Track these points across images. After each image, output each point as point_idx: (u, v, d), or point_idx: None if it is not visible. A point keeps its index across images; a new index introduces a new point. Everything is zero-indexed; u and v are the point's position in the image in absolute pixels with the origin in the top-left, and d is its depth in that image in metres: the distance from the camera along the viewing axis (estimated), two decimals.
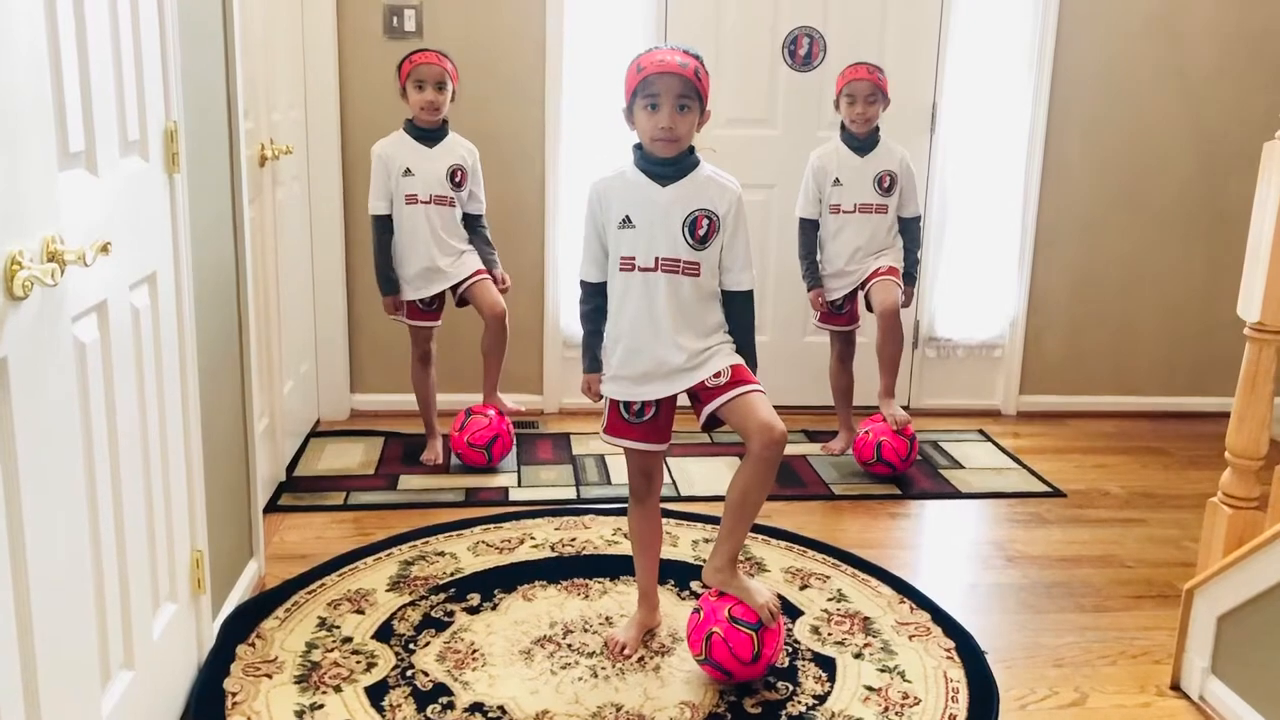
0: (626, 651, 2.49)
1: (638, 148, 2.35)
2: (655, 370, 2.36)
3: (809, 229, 3.74)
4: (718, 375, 2.34)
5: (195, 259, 2.26)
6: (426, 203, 3.47)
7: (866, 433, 3.66)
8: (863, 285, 3.70)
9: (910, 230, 3.71)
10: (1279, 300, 2.22)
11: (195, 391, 2.26)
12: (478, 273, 3.56)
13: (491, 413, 3.62)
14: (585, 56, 4.06)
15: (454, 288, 3.56)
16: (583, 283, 2.47)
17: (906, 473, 3.69)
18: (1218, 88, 4.27)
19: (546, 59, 4.00)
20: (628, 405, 2.42)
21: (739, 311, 2.42)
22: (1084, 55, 4.21)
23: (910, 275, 3.71)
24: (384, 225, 3.49)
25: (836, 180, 3.65)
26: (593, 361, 2.50)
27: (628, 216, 2.32)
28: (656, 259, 2.31)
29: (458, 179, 3.50)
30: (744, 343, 2.43)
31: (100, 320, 1.79)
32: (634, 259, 2.33)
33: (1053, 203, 4.32)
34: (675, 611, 2.70)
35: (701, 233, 2.31)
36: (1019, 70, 4.24)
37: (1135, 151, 4.32)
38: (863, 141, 3.62)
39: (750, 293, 2.42)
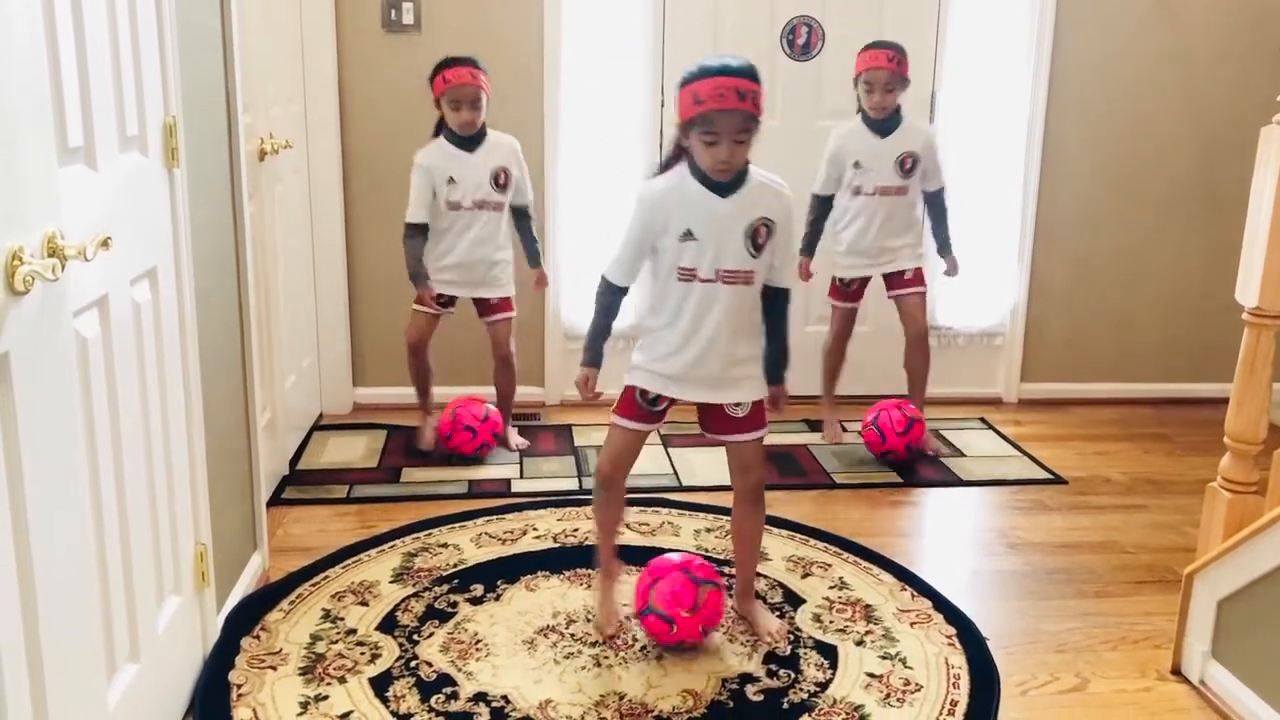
0: (610, 629, 2.54)
1: (689, 157, 2.32)
2: (695, 374, 2.40)
3: (819, 204, 3.74)
4: (738, 406, 2.44)
5: (195, 253, 2.27)
6: (470, 208, 3.48)
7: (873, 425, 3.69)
8: (888, 285, 3.72)
9: (936, 203, 3.70)
10: (1277, 285, 2.22)
11: (197, 385, 2.27)
12: (503, 305, 3.59)
13: (489, 409, 3.63)
14: (584, 50, 4.06)
15: (477, 300, 3.60)
16: (606, 281, 2.46)
17: (908, 460, 3.70)
18: (1217, 74, 4.27)
19: (545, 52, 4.00)
20: (644, 393, 2.45)
21: (781, 307, 2.48)
22: (1083, 43, 4.20)
23: (947, 244, 3.72)
24: (419, 231, 3.50)
25: (857, 163, 3.63)
26: (595, 356, 2.50)
27: (690, 230, 2.32)
28: (718, 271, 2.32)
29: (502, 181, 3.50)
30: (783, 340, 2.50)
31: (101, 315, 1.80)
32: (695, 270, 2.33)
33: (1052, 191, 4.32)
34: None
35: (761, 241, 2.33)
36: (1018, 58, 4.23)
37: (1135, 139, 4.31)
38: (883, 123, 3.59)
39: (789, 291, 2.48)
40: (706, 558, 2.91)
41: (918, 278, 3.70)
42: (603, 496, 2.58)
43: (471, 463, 3.62)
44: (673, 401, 2.46)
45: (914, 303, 3.71)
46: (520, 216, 3.62)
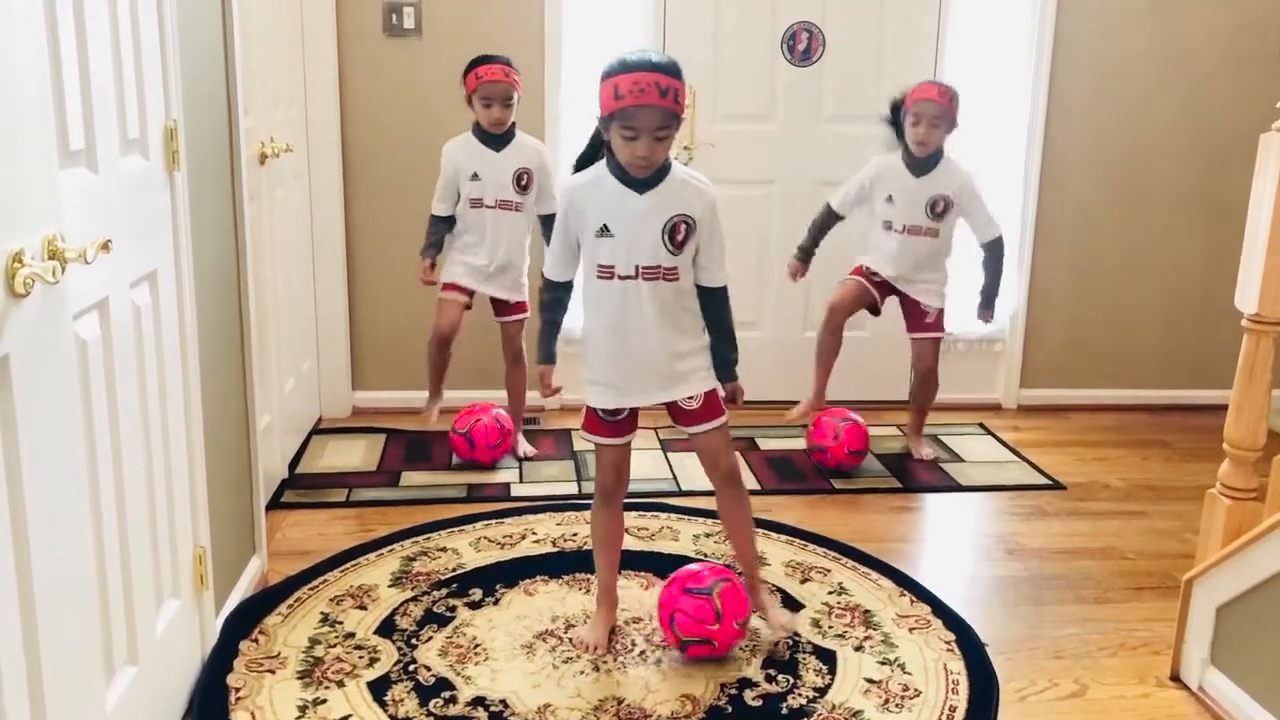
0: (599, 652, 2.49)
1: (611, 153, 2.31)
2: (637, 376, 2.39)
3: (828, 217, 3.72)
4: (691, 399, 2.43)
5: (196, 257, 2.27)
6: (492, 207, 3.48)
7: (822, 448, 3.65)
8: (909, 320, 3.70)
9: (990, 254, 3.65)
10: (1276, 292, 2.22)
11: (197, 388, 2.27)
12: (518, 307, 3.61)
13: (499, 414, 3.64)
14: (584, 53, 4.06)
15: (494, 301, 3.60)
16: (547, 279, 2.47)
17: (907, 466, 3.72)
18: (1217, 80, 4.27)
19: (545, 55, 4.00)
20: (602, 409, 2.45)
21: (718, 307, 2.45)
22: (1082, 48, 4.21)
23: (989, 300, 3.69)
24: (442, 223, 3.54)
25: (890, 197, 3.59)
26: (547, 354, 2.50)
27: (605, 225, 2.31)
28: (637, 267, 2.31)
29: (524, 182, 3.49)
30: (726, 337, 2.48)
31: (101, 318, 1.80)
32: (613, 267, 2.32)
33: (1052, 196, 4.33)
34: None
35: (680, 238, 2.31)
36: (1017, 64, 4.24)
37: (1134, 144, 4.32)
38: (921, 162, 3.53)
39: (725, 289, 2.45)
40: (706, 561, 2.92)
41: (939, 322, 3.69)
42: (602, 512, 2.54)
43: (471, 467, 3.62)
44: (632, 410, 2.45)
45: (930, 346, 3.71)
46: (546, 225, 3.59)
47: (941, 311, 3.69)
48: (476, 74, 3.39)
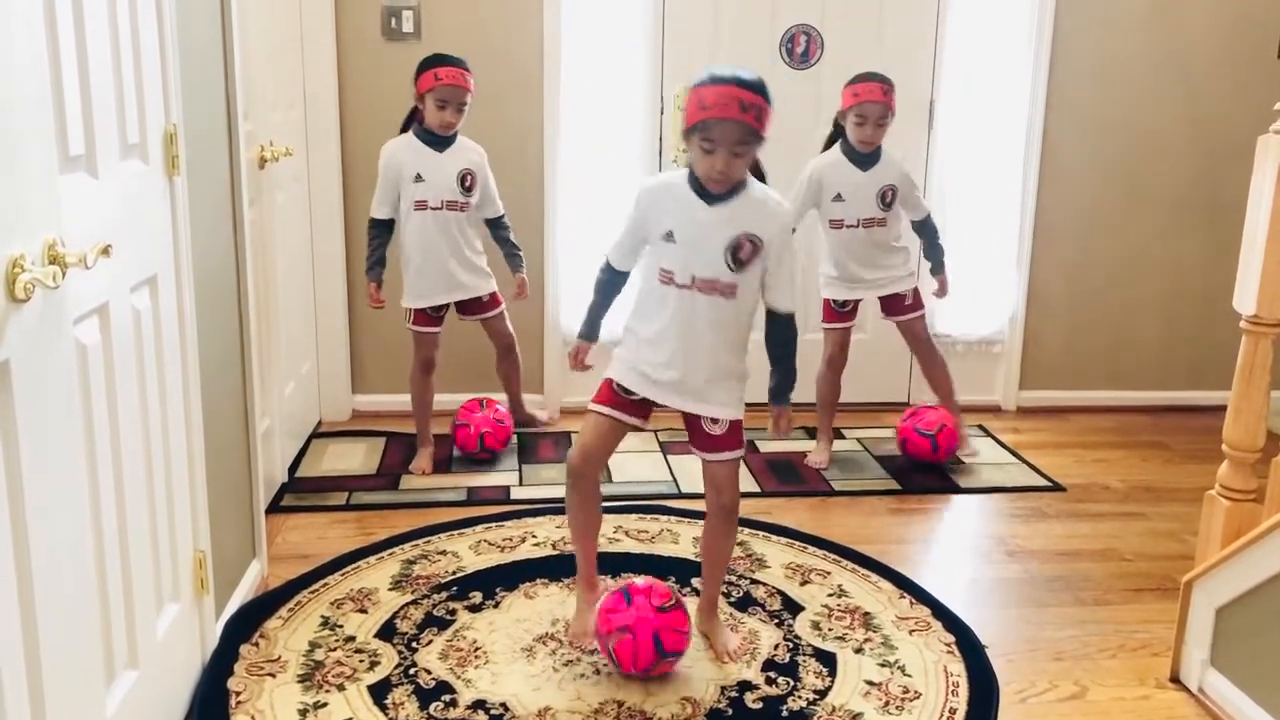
0: (587, 640, 2.50)
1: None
2: (670, 378, 2.37)
3: None
4: (716, 422, 2.41)
5: (196, 261, 2.27)
6: (437, 208, 3.45)
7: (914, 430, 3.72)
8: (887, 310, 3.72)
9: (926, 229, 3.71)
10: (1274, 293, 2.22)
11: (197, 393, 2.28)
12: (493, 301, 3.61)
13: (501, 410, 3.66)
14: (584, 55, 4.07)
15: (462, 303, 3.58)
16: (606, 261, 2.48)
17: (906, 467, 3.73)
18: (1216, 82, 4.28)
19: (545, 59, 4.01)
20: (622, 385, 2.43)
21: (782, 331, 2.45)
22: (1081, 49, 4.22)
23: (940, 264, 3.74)
24: (383, 228, 3.49)
25: (838, 195, 3.59)
26: (590, 330, 2.51)
27: (671, 231, 2.31)
28: (694, 277, 2.30)
29: (468, 183, 3.48)
30: (786, 362, 2.48)
31: (102, 322, 1.80)
32: (673, 273, 2.32)
33: (1051, 198, 4.33)
34: None
35: (743, 256, 2.29)
36: (1016, 65, 4.24)
37: (1133, 146, 4.32)
38: (866, 156, 3.56)
39: (793, 316, 2.44)
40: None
41: (916, 301, 3.71)
42: (574, 496, 2.48)
43: (471, 469, 3.62)
44: (650, 402, 2.43)
45: (916, 325, 3.73)
46: (496, 227, 3.63)
47: (916, 290, 3.71)
48: (435, 74, 3.35)
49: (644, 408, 2.45)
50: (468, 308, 3.62)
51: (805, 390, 4.00)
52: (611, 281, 2.49)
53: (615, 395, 2.43)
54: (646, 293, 2.39)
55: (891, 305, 3.72)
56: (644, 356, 2.39)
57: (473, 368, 3.96)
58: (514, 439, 3.78)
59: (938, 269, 3.75)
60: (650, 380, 2.39)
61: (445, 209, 3.46)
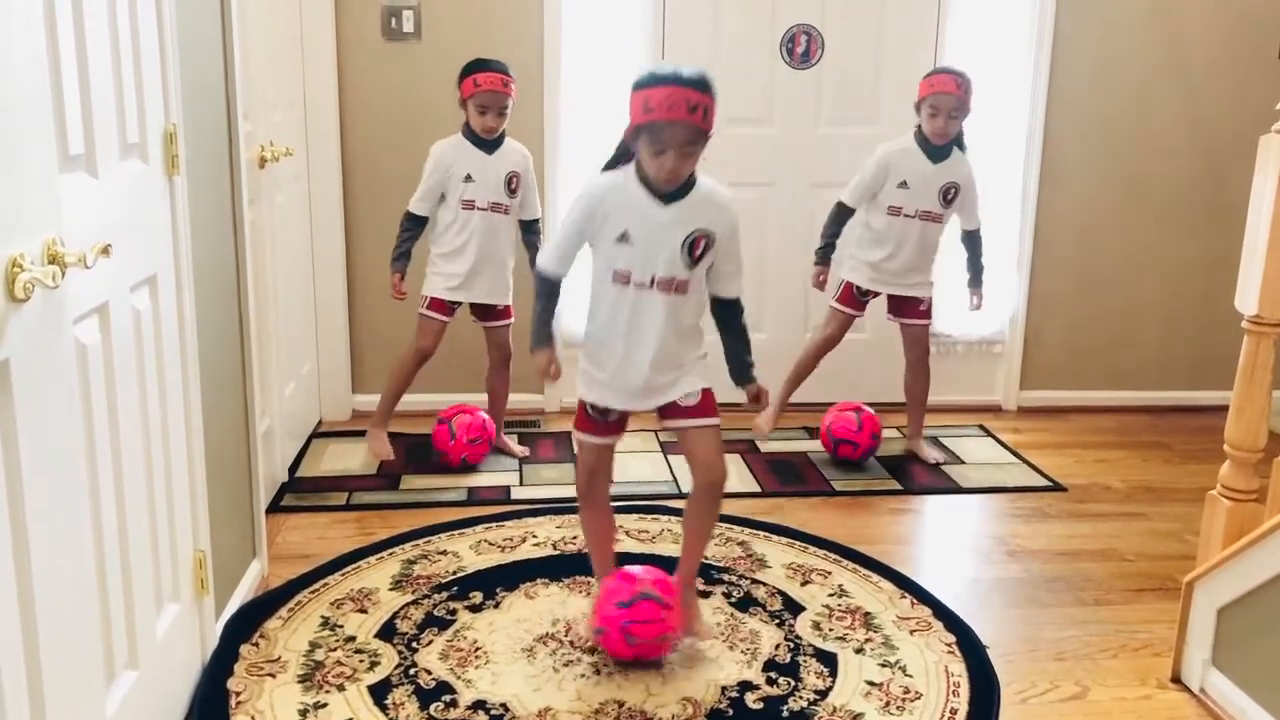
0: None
1: (638, 162, 2.30)
2: (644, 384, 2.38)
3: (842, 214, 3.71)
4: (688, 395, 2.41)
5: (195, 261, 2.27)
6: (484, 209, 3.47)
7: (825, 428, 3.76)
8: (898, 310, 3.71)
9: (973, 241, 3.70)
10: (1276, 293, 2.22)
11: (197, 393, 2.27)
12: (506, 312, 3.62)
13: (482, 415, 3.65)
14: (583, 57, 4.07)
15: (479, 306, 3.59)
16: (543, 273, 2.45)
17: (907, 468, 3.73)
18: (1216, 82, 4.27)
19: (544, 60, 4.01)
20: (594, 405, 2.45)
21: (735, 318, 2.47)
22: (1082, 50, 4.21)
23: (979, 279, 3.73)
24: (418, 223, 3.52)
25: (904, 183, 3.58)
26: (542, 338, 2.44)
27: (626, 232, 2.30)
28: (653, 277, 2.31)
29: (514, 186, 3.50)
30: (743, 341, 2.48)
31: (101, 322, 1.80)
32: (629, 273, 2.32)
33: (1051, 198, 4.33)
34: None
35: (698, 253, 2.32)
36: (1017, 66, 4.24)
37: (1134, 146, 4.32)
38: (937, 149, 3.55)
39: (740, 300, 2.47)
40: (705, 566, 2.92)
41: (929, 310, 3.71)
42: (586, 514, 2.61)
43: (470, 470, 3.62)
44: (622, 414, 2.46)
45: (921, 332, 3.74)
46: (528, 230, 3.62)
47: (931, 300, 3.71)
48: (475, 80, 3.38)
49: (619, 423, 2.49)
50: (483, 312, 3.62)
51: (803, 392, 4.02)
52: (552, 291, 2.45)
53: (591, 421, 2.47)
54: (600, 297, 2.38)
55: (906, 307, 3.71)
56: (604, 364, 2.39)
57: (465, 367, 3.95)
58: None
59: (976, 283, 3.73)
60: (615, 390, 2.40)
61: (491, 210, 3.48)
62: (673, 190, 2.28)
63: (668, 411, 2.44)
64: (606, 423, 2.47)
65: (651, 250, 2.30)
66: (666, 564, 2.93)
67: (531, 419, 4.14)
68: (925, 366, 3.79)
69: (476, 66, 3.40)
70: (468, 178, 3.45)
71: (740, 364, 2.48)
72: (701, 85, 2.18)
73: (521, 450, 3.77)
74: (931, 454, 3.83)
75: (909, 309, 3.71)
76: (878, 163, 3.61)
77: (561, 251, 2.42)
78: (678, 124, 2.17)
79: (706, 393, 2.43)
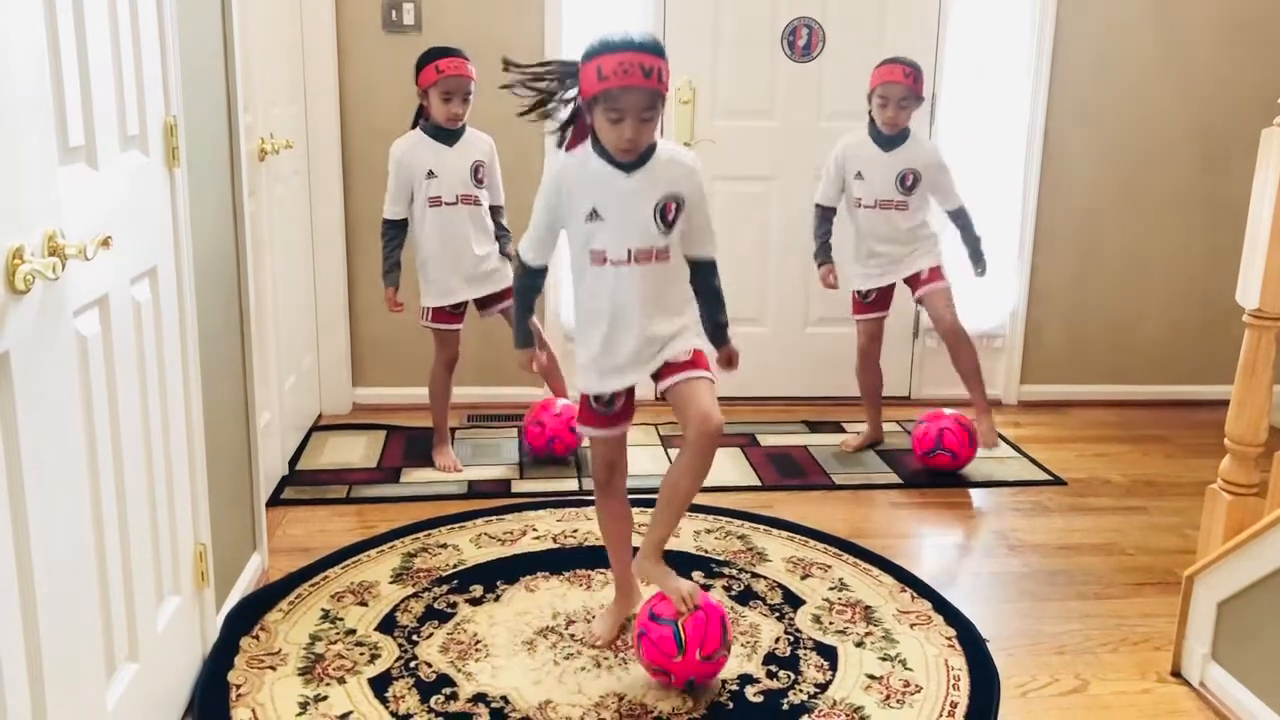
0: (599, 642, 2.48)
1: (595, 134, 2.25)
2: (631, 359, 2.32)
3: (824, 215, 3.72)
4: (679, 354, 2.33)
5: (195, 253, 2.27)
6: (452, 203, 3.40)
7: (922, 424, 3.66)
8: (910, 287, 3.68)
9: (959, 220, 3.67)
10: (1277, 287, 2.22)
11: (197, 385, 2.27)
12: (508, 293, 3.51)
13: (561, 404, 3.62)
14: (585, 47, 4.05)
15: (481, 298, 3.52)
16: (522, 261, 2.42)
17: (907, 461, 3.72)
18: (1218, 75, 4.27)
19: (545, 51, 3.99)
20: (598, 396, 2.40)
21: (708, 277, 2.42)
22: (1083, 44, 4.21)
23: (977, 253, 3.68)
24: (398, 228, 3.44)
25: (859, 174, 3.60)
26: (522, 337, 2.49)
27: (595, 210, 2.25)
28: (629, 250, 2.26)
29: (480, 175, 3.44)
30: (718, 303, 2.45)
31: (102, 314, 1.80)
32: (605, 252, 2.27)
33: (1052, 192, 4.32)
34: None
35: (671, 217, 2.27)
36: (1018, 60, 4.23)
37: (1135, 140, 4.32)
38: (889, 137, 3.56)
39: (714, 260, 2.42)
40: (705, 559, 2.92)
41: (936, 274, 3.64)
42: (604, 506, 2.55)
43: (473, 464, 3.62)
44: (628, 393, 2.40)
45: (938, 297, 3.63)
46: (494, 215, 3.57)
47: (938, 266, 3.65)
48: (437, 67, 3.30)
49: (626, 409, 2.43)
50: (486, 302, 3.55)
51: (804, 386, 4.03)
52: (531, 284, 2.44)
53: (594, 414, 2.43)
54: (581, 279, 2.34)
55: (912, 281, 3.68)
56: (598, 350, 2.34)
57: (475, 361, 3.95)
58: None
59: (976, 259, 3.69)
60: (614, 371, 2.34)
61: (460, 203, 3.41)
62: (634, 159, 2.24)
63: (661, 374, 2.34)
64: (609, 413, 2.42)
65: (623, 222, 2.25)
66: (667, 558, 2.93)
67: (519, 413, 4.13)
68: (959, 337, 3.62)
69: (435, 54, 3.32)
70: (430, 174, 3.37)
71: (715, 325, 2.45)
72: (654, 49, 2.15)
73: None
74: (993, 439, 3.69)
75: (914, 281, 3.67)
76: (834, 157, 3.65)
77: (536, 238, 2.37)
78: (634, 89, 2.12)
79: (698, 352, 2.34)
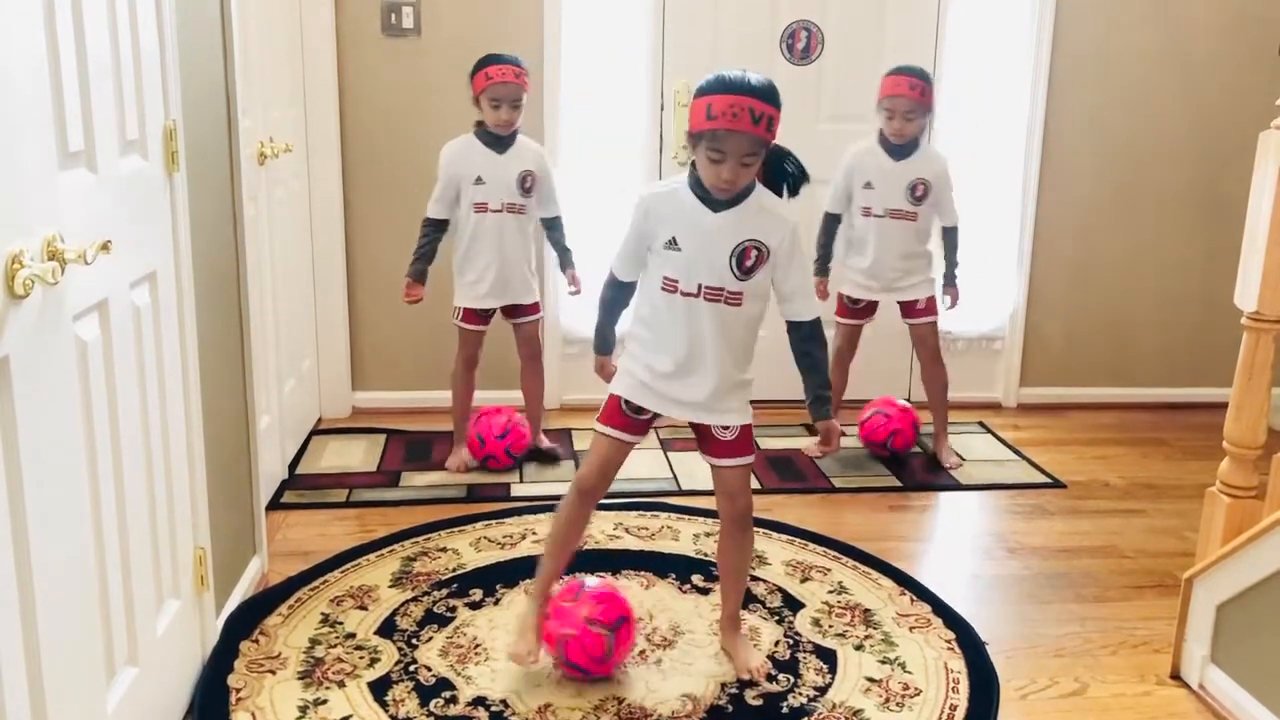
0: (534, 661, 2.38)
1: (694, 166, 2.25)
2: (675, 390, 2.32)
3: (830, 222, 3.72)
4: (726, 429, 2.35)
5: (195, 257, 2.27)
6: (498, 211, 3.39)
7: (881, 414, 3.73)
8: (902, 312, 3.71)
9: (950, 239, 3.67)
10: (1276, 289, 2.22)
11: (196, 389, 2.27)
12: (534, 308, 3.57)
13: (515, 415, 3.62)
14: (584, 55, 4.06)
15: (507, 307, 3.53)
16: (610, 273, 2.42)
17: (907, 464, 3.74)
18: (1217, 78, 4.27)
19: (545, 57, 4.00)
20: (628, 401, 2.38)
21: (805, 341, 2.35)
22: (1082, 45, 4.21)
23: (952, 276, 3.70)
24: (437, 228, 3.44)
25: (868, 184, 3.59)
26: (603, 344, 2.50)
27: (674, 239, 2.25)
28: (700, 285, 2.25)
29: (528, 185, 3.42)
30: (818, 372, 2.37)
31: (101, 319, 1.80)
32: (677, 281, 2.26)
33: (1052, 194, 4.33)
34: (675, 605, 2.72)
35: (749, 264, 2.24)
36: (1017, 61, 4.24)
37: (1135, 142, 4.32)
38: (899, 147, 3.54)
39: (817, 321, 2.35)
40: (704, 563, 2.92)
41: (930, 307, 3.68)
42: (574, 511, 2.43)
43: (473, 468, 3.62)
44: (656, 415, 2.39)
45: (927, 330, 3.71)
46: (551, 228, 3.56)
47: (932, 299, 3.69)
48: (486, 74, 3.31)
49: (649, 423, 2.42)
50: (509, 310, 3.55)
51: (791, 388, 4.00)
52: (617, 296, 2.44)
53: (623, 416, 2.38)
54: (649, 301, 2.33)
55: (907, 309, 3.71)
56: (649, 366, 2.33)
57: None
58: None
59: (949, 282, 3.70)
60: (656, 394, 2.33)
61: (505, 211, 3.40)
62: (726, 199, 2.23)
63: (704, 442, 2.39)
64: (640, 420, 2.39)
65: (698, 258, 2.24)
66: (666, 560, 2.94)
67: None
68: (937, 365, 3.74)
69: (488, 60, 3.32)
70: (478, 180, 3.37)
71: (815, 397, 2.37)
72: (768, 95, 2.11)
73: (551, 445, 3.74)
74: (953, 458, 3.77)
75: (908, 309, 3.70)
76: (844, 165, 3.64)
77: (624, 255, 2.38)
78: (739, 134, 2.10)
79: (745, 429, 2.37)
